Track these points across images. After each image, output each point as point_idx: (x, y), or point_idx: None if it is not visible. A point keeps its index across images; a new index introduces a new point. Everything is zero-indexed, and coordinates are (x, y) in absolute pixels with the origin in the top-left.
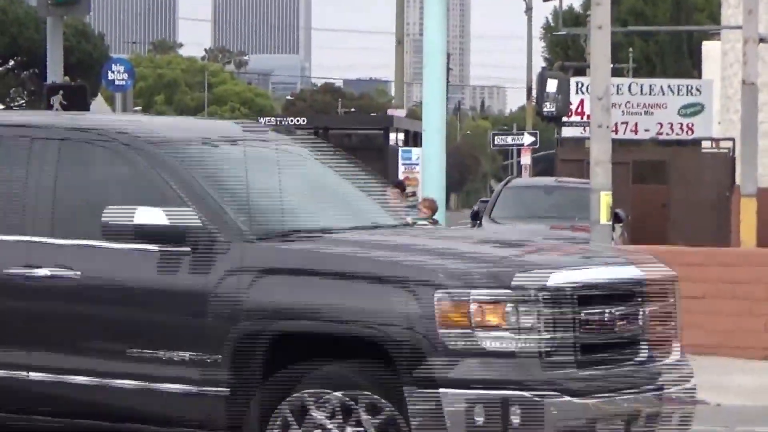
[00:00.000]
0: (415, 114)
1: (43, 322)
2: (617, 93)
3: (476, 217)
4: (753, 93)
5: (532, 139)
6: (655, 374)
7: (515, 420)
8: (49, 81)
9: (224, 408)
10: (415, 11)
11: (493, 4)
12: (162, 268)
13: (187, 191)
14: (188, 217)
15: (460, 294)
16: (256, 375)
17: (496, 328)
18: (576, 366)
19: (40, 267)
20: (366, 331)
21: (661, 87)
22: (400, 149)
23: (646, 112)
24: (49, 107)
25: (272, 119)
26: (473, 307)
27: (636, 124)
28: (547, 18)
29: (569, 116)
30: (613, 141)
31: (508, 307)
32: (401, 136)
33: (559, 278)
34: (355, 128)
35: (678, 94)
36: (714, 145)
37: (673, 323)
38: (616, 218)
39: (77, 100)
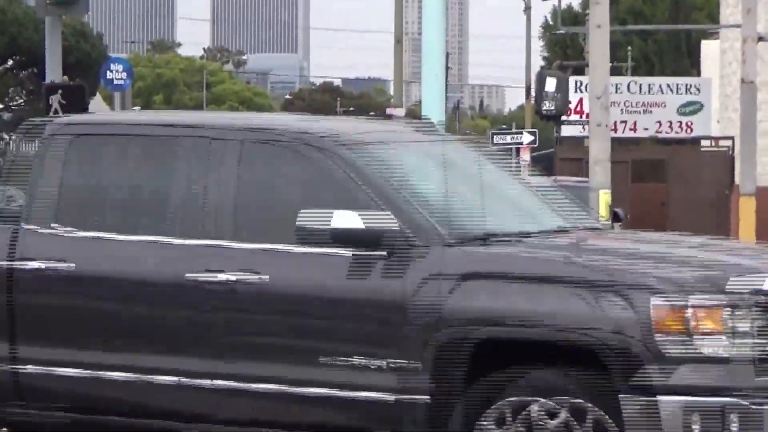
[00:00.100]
0: (414, 113)
1: (227, 329)
2: (616, 92)
3: None
4: (752, 92)
5: (531, 137)
6: None
7: (734, 428)
8: (47, 80)
9: (423, 416)
10: (414, 10)
11: (491, 4)
12: (356, 273)
13: (380, 194)
14: (385, 220)
15: (677, 299)
16: (459, 382)
17: (713, 333)
18: None
19: (222, 272)
20: (579, 337)
21: (660, 86)
22: None
23: (645, 111)
24: (48, 107)
25: None
26: (690, 312)
27: (635, 123)
28: (545, 17)
29: (568, 115)
30: (612, 140)
31: (725, 313)
32: None
33: None
34: None
35: (677, 92)
36: (713, 144)
37: None
38: (615, 217)
39: (76, 100)
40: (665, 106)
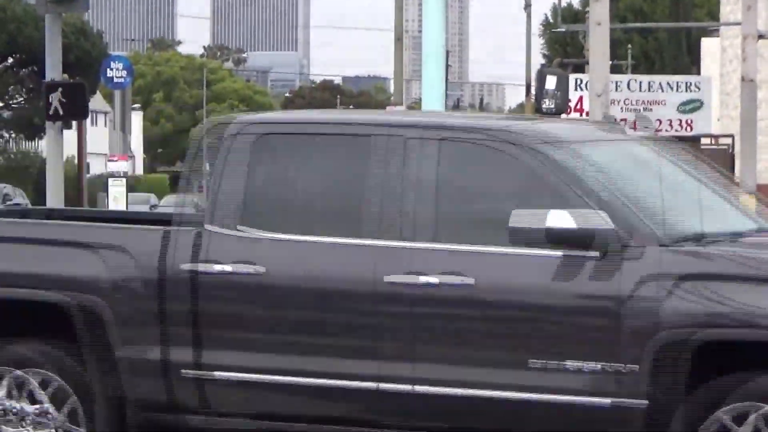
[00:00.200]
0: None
1: (429, 333)
2: (616, 90)
3: None
4: (752, 89)
5: None
6: None
7: None
8: (47, 79)
9: (641, 421)
10: (414, 8)
11: (492, 1)
12: (567, 274)
13: (590, 193)
14: (598, 220)
15: None
16: (679, 386)
17: None
18: None
19: (424, 274)
20: None
21: (660, 84)
22: None
23: (645, 109)
24: (48, 105)
25: None
26: None
27: (635, 121)
28: (546, 15)
29: (568, 113)
30: None
31: None
32: None
33: None
34: None
35: (677, 90)
36: (713, 142)
37: None
38: None
39: (76, 98)
40: (665, 104)
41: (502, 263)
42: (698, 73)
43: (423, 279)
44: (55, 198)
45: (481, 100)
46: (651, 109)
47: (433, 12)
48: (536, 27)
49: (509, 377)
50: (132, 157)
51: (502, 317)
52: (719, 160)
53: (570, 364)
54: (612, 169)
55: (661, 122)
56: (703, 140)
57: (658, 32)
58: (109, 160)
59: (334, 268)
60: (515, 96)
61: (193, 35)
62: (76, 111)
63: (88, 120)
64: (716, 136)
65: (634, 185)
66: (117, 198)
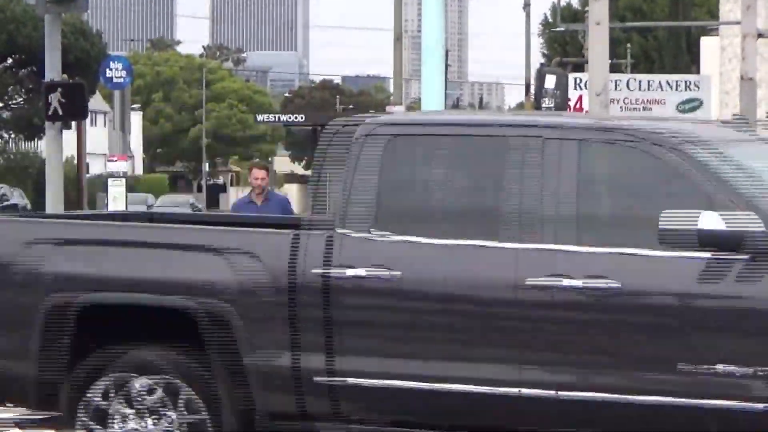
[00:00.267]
0: (413, 110)
1: (574, 337)
2: (615, 89)
3: None
4: (751, 88)
5: None
6: None
7: None
8: (47, 79)
9: None
10: (413, 8)
11: (491, 1)
12: (716, 277)
13: (738, 194)
14: (749, 221)
15: None
16: None
17: None
18: None
19: (569, 277)
20: None
21: (660, 83)
22: None
23: (644, 108)
24: (47, 105)
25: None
26: None
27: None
28: (545, 14)
29: (568, 112)
30: None
31: None
32: None
33: None
34: None
35: (676, 89)
36: None
37: None
38: None
39: (75, 98)
40: (665, 103)
41: (647, 266)
42: (698, 72)
43: (566, 282)
44: (54, 198)
45: (481, 99)
46: (650, 108)
47: (433, 11)
48: (536, 26)
49: (658, 381)
50: (131, 157)
51: (649, 320)
52: None
53: (720, 368)
54: (755, 170)
55: None
56: None
57: (657, 31)
58: (109, 160)
59: (472, 272)
60: (515, 95)
61: (192, 35)
62: (75, 111)
63: (88, 120)
64: None
65: None
66: (116, 198)
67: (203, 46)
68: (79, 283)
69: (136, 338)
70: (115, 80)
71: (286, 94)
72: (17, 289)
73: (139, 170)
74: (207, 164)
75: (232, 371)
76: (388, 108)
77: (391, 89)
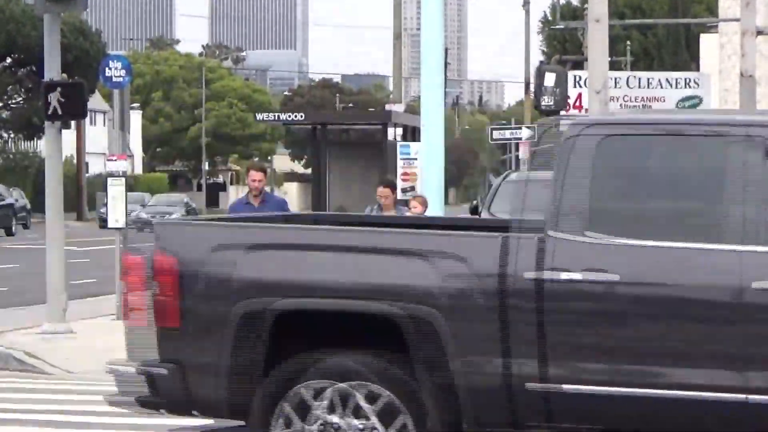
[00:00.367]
0: (413, 109)
1: None
2: (615, 86)
3: (476, 212)
4: (751, 85)
5: (530, 132)
6: None
7: None
8: (46, 78)
9: None
10: (413, 6)
11: None
12: None
13: None
14: None
15: None
16: None
17: None
18: None
19: None
20: None
21: (659, 80)
22: (398, 144)
23: (644, 105)
24: (47, 105)
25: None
26: None
27: None
28: (544, 12)
29: (567, 110)
30: None
31: None
32: (399, 131)
33: None
34: (354, 124)
35: (676, 87)
36: None
37: None
38: None
39: (75, 98)
40: (664, 100)
41: None
42: (697, 69)
43: None
44: (54, 198)
45: (480, 97)
46: (650, 106)
47: (432, 10)
48: (535, 24)
49: None
50: (131, 156)
51: None
52: None
53: None
54: None
55: None
56: None
57: (656, 28)
58: (108, 160)
59: (693, 275)
60: (514, 93)
61: (191, 34)
62: (74, 110)
63: (87, 119)
64: None
65: None
66: (116, 197)
67: (203, 45)
68: (274, 289)
69: (331, 344)
70: (114, 79)
71: (286, 93)
72: (205, 296)
73: (138, 169)
74: (207, 163)
75: (438, 378)
76: (387, 106)
77: (391, 87)
